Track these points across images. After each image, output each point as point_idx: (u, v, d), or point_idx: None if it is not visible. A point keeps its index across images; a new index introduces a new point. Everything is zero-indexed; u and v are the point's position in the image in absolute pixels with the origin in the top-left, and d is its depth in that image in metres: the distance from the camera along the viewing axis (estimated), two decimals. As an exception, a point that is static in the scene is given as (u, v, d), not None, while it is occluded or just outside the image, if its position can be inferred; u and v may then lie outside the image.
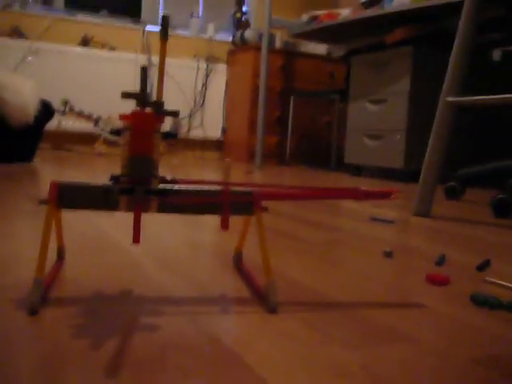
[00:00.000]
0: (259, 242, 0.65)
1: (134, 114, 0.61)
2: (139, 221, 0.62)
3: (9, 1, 3.71)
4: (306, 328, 0.57)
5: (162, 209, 0.65)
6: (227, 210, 0.67)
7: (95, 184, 0.63)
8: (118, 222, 1.17)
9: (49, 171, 2.34)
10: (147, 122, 0.61)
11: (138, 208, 0.62)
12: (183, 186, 0.66)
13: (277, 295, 0.62)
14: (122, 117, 0.61)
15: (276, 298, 0.62)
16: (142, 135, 0.61)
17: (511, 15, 2.48)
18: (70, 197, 0.63)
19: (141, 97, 0.61)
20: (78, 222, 1.14)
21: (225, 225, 0.67)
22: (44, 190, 1.66)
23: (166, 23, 0.61)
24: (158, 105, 0.62)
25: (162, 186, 0.64)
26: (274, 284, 0.62)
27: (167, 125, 3.73)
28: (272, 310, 0.61)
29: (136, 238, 0.62)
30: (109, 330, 0.52)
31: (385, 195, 0.72)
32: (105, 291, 0.66)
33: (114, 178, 0.62)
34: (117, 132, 0.63)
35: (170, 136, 0.70)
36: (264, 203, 1.61)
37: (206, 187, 0.67)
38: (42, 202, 0.61)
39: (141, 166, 0.61)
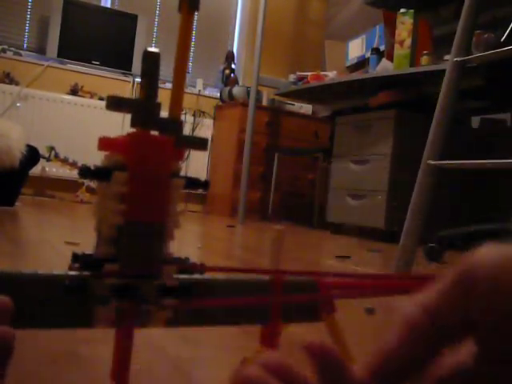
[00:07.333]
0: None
1: (135, 138, 0.31)
2: (130, 350, 0.30)
3: (3, 47, 3.78)
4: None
5: (178, 319, 0.32)
6: (278, 314, 0.35)
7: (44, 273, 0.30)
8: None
9: (31, 216, 2.32)
10: (163, 154, 0.31)
11: (129, 323, 0.30)
12: (210, 276, 0.35)
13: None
14: (116, 144, 0.31)
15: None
16: (152, 181, 0.30)
17: (490, 85, 2.59)
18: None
19: (143, 106, 0.31)
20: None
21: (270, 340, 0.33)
22: (26, 234, 1.64)
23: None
24: (176, 126, 0.33)
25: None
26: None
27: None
28: None
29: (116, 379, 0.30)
30: None
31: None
32: None
33: (81, 259, 0.30)
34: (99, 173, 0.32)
35: (202, 186, 0.25)
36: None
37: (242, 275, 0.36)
38: None
39: (143, 241, 0.30)
